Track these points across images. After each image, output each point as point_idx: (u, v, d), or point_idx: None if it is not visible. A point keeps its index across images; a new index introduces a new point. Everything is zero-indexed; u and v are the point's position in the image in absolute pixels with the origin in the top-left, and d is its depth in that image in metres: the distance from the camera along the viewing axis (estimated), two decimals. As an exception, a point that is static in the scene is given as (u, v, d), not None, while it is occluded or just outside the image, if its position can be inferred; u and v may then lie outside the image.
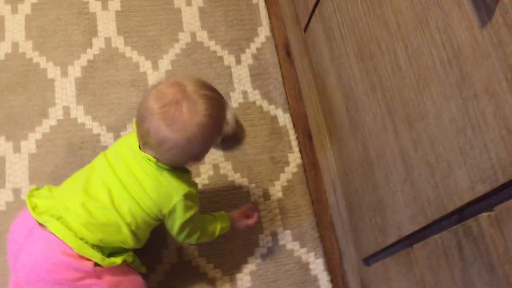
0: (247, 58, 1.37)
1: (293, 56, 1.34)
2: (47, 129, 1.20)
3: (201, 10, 1.40)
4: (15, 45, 1.27)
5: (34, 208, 0.87)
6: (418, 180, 0.79)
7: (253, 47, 1.38)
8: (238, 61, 1.36)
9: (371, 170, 0.94)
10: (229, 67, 1.35)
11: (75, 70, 1.27)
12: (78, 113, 1.23)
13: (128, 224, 0.88)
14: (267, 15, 1.42)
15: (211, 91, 0.86)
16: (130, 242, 0.90)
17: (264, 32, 1.41)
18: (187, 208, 0.91)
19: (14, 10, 1.31)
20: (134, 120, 0.90)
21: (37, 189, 0.93)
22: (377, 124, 0.89)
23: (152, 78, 1.30)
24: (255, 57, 1.37)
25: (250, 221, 1.09)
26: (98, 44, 1.31)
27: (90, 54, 1.30)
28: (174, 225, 0.93)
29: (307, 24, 1.19)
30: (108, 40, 1.32)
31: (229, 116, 1.20)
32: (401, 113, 0.81)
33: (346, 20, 0.98)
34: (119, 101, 1.26)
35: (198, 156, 0.90)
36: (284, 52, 1.38)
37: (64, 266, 0.85)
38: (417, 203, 0.80)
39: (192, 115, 0.82)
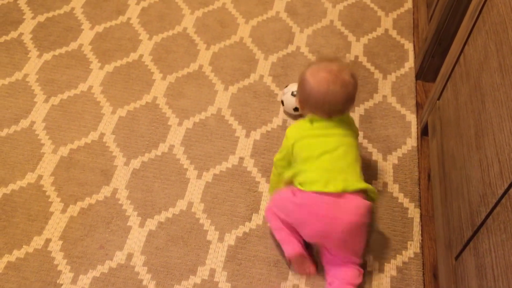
0: (391, 268, 1.36)
1: (439, 280, 1.30)
2: (191, 285, 1.31)
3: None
4: (190, 204, 1.48)
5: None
6: None
7: (399, 260, 1.38)
8: (381, 270, 1.36)
9: None
10: (370, 272, 1.35)
11: (230, 238, 1.41)
12: (221, 278, 1.33)
13: None
14: (419, 232, 1.44)
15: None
16: None
17: (413, 247, 1.41)
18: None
19: (199, 176, 1.55)
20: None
21: None
22: None
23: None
24: (399, 269, 1.36)
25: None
26: (256, 220, 1.45)
27: (247, 227, 1.44)
28: None
29: (459, 253, 1.17)
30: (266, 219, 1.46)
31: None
32: None
33: (501, 263, 0.95)
34: (259, 277, 1.33)
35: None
36: (431, 273, 1.34)
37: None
38: None
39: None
